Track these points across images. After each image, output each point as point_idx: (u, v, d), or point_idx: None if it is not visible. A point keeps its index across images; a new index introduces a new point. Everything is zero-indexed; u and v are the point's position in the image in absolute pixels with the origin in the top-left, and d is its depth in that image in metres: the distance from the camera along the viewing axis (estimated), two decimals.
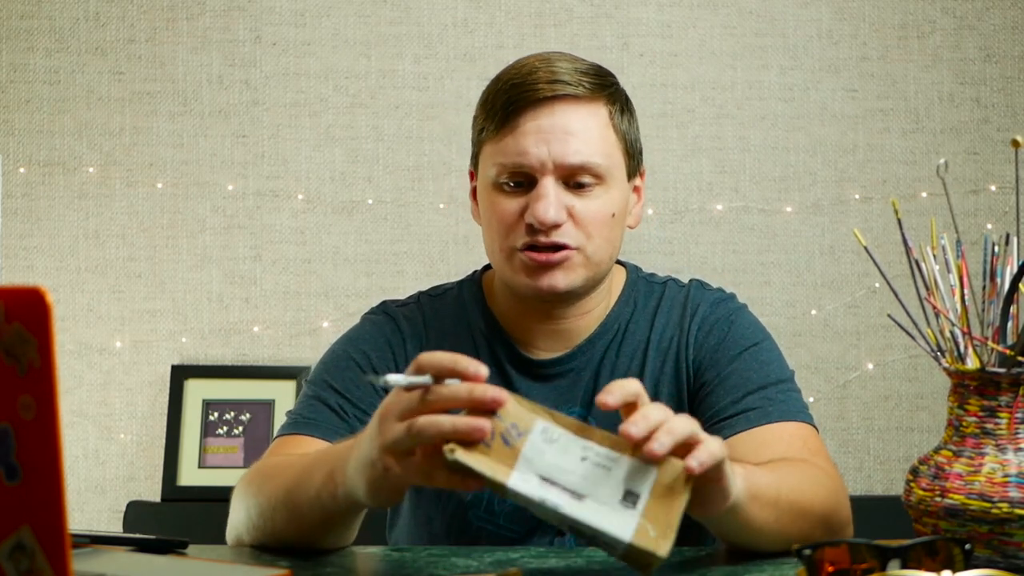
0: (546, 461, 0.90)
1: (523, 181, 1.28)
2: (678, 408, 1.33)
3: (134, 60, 2.39)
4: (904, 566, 0.87)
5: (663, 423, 0.91)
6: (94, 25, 2.40)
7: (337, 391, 1.32)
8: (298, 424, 1.31)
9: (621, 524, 0.89)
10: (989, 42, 2.42)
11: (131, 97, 2.39)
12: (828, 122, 2.41)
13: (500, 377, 1.35)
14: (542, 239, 1.27)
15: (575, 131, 1.27)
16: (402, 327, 1.38)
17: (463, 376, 0.92)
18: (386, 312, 1.41)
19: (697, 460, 0.90)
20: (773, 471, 1.08)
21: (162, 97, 2.39)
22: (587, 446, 0.91)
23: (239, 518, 1.20)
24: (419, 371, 0.93)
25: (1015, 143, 0.99)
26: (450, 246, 2.39)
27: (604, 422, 1.31)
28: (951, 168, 2.40)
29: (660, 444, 0.89)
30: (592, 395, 1.32)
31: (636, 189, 1.37)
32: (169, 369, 2.34)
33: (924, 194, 2.40)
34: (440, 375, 0.93)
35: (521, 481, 0.89)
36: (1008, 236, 1.02)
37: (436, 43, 2.40)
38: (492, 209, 1.30)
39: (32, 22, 2.39)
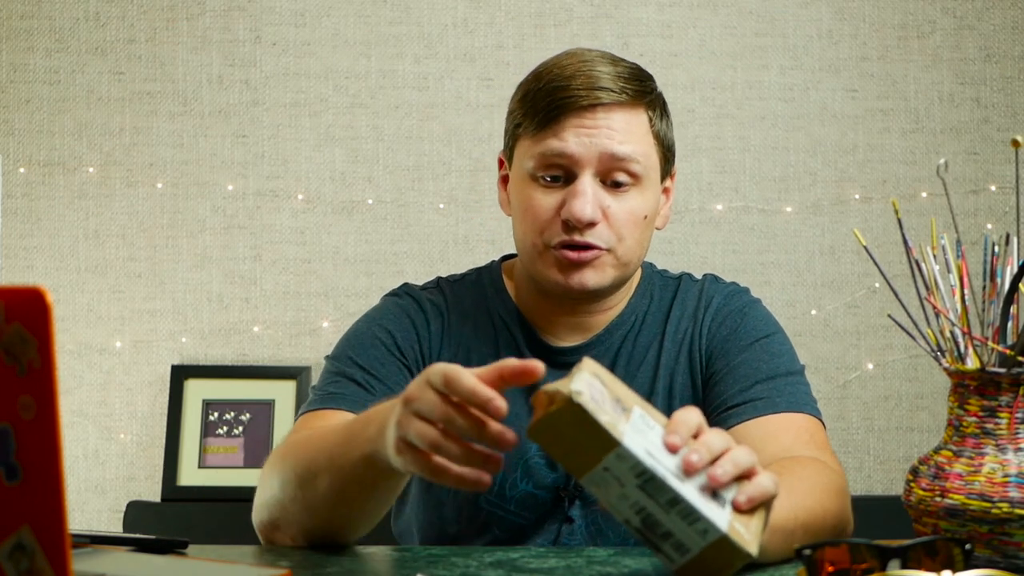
0: (648, 439, 0.89)
1: (561, 176, 1.29)
2: (693, 398, 1.35)
3: (134, 60, 2.39)
4: (904, 566, 0.87)
5: (726, 452, 0.91)
6: (94, 25, 2.40)
7: (362, 367, 1.33)
8: (324, 399, 1.30)
9: (717, 514, 0.88)
10: (989, 42, 2.42)
11: (131, 97, 2.39)
12: (828, 122, 2.42)
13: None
14: (576, 237, 1.27)
15: (618, 128, 1.28)
16: (425, 308, 1.39)
17: (481, 407, 0.92)
18: (409, 294, 1.42)
19: (746, 495, 0.90)
20: (790, 494, 1.06)
21: (162, 97, 2.39)
22: None
23: (272, 494, 1.18)
24: (447, 385, 0.92)
25: (1015, 143, 0.99)
26: (450, 246, 2.39)
27: None
28: (951, 168, 2.40)
29: (724, 472, 0.89)
30: None
31: (665, 190, 1.38)
32: (169, 369, 2.34)
33: (924, 194, 2.40)
34: (461, 398, 0.92)
35: (633, 444, 0.87)
36: (1008, 236, 1.02)
37: (436, 43, 2.40)
38: (527, 202, 1.31)
39: (32, 22, 2.39)
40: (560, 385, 0.87)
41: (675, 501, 0.87)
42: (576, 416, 0.85)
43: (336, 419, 1.26)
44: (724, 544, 0.87)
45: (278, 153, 2.40)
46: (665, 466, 0.88)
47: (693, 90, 2.41)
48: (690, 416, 0.92)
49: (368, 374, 1.32)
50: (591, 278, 1.29)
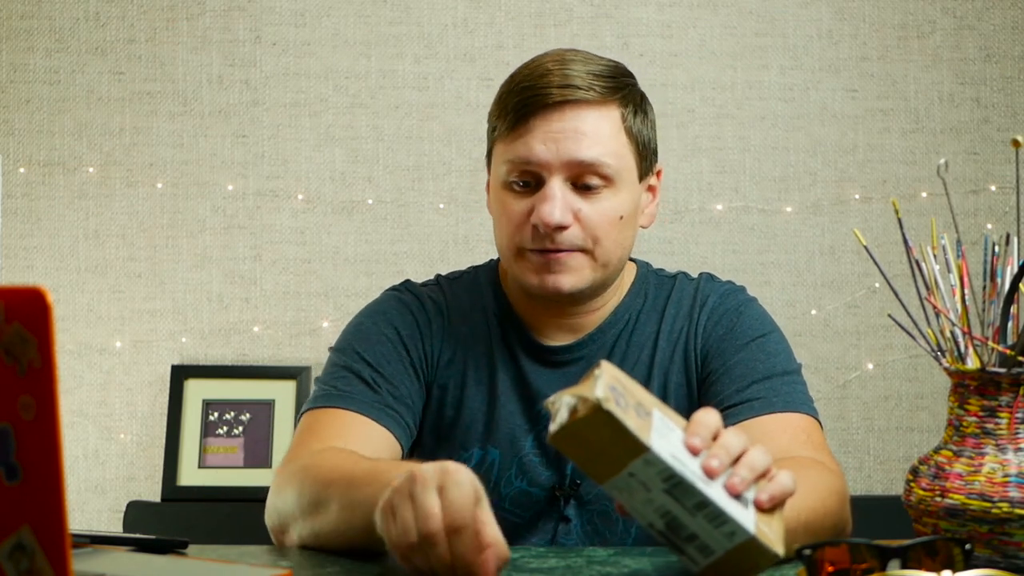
0: (671, 443, 0.88)
1: (531, 181, 1.29)
2: (687, 397, 1.35)
3: (134, 60, 2.39)
4: (904, 566, 0.87)
5: (743, 454, 0.91)
6: (94, 25, 2.39)
7: (369, 364, 1.32)
8: (331, 397, 1.30)
9: (744, 516, 0.88)
10: (989, 42, 2.42)
11: (131, 97, 2.39)
12: (828, 122, 2.41)
13: (512, 361, 1.36)
14: (548, 244, 1.27)
15: (585, 132, 1.27)
16: (427, 307, 1.40)
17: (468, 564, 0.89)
18: (410, 291, 1.42)
19: (768, 494, 0.90)
20: (795, 494, 1.07)
21: (162, 97, 2.39)
22: None
23: (286, 507, 1.17)
24: (458, 530, 0.88)
25: (1015, 143, 0.99)
26: (450, 246, 2.39)
27: None
28: (951, 168, 2.40)
29: (741, 479, 0.89)
30: None
31: (651, 188, 1.37)
32: (169, 369, 2.34)
33: (924, 194, 2.40)
34: (462, 549, 0.88)
35: (661, 449, 0.85)
36: (1008, 236, 1.02)
37: (436, 43, 2.40)
38: (502, 208, 1.32)
39: (32, 22, 2.39)
40: (582, 391, 0.85)
41: (703, 504, 0.86)
42: (604, 423, 0.83)
43: (342, 420, 1.26)
44: (752, 545, 0.87)
45: (278, 153, 2.39)
46: (691, 469, 0.87)
47: (693, 90, 2.41)
48: (709, 418, 0.92)
49: (375, 371, 1.32)
50: (566, 281, 1.29)
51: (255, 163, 2.39)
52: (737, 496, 0.89)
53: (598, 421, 0.83)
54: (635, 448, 0.84)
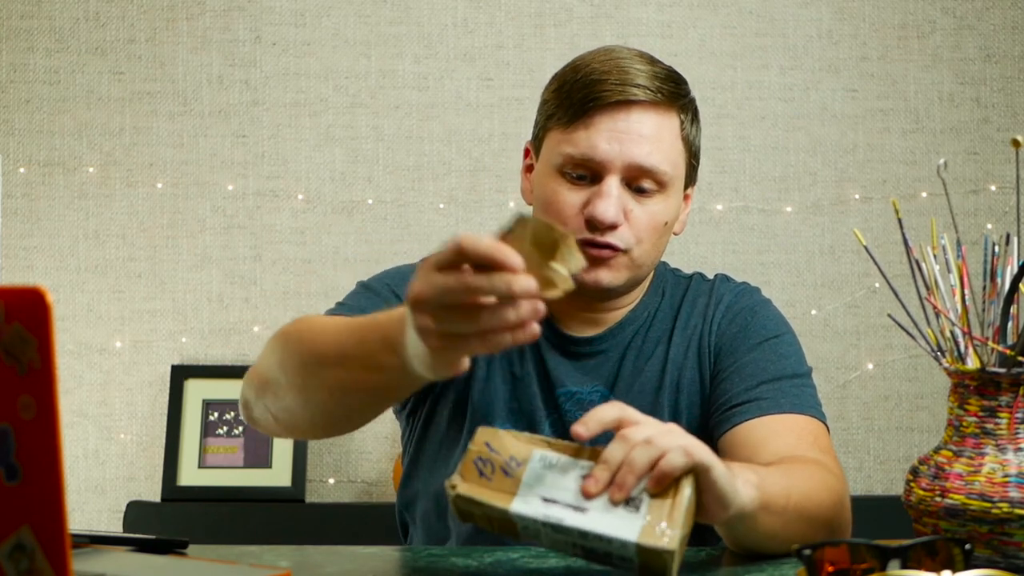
0: (546, 484, 0.93)
1: (587, 175, 1.30)
2: (700, 393, 1.36)
3: (134, 60, 2.39)
4: (904, 566, 0.87)
5: (628, 455, 0.92)
6: (94, 25, 2.40)
7: (397, 296, 1.33)
8: (344, 308, 1.30)
9: (626, 527, 0.90)
10: (989, 42, 2.42)
11: (131, 97, 2.39)
12: (828, 122, 2.41)
13: (534, 347, 1.37)
14: (598, 237, 1.29)
15: (648, 135, 1.29)
16: None
17: (503, 267, 0.87)
18: None
19: (654, 478, 0.91)
20: (785, 476, 1.08)
21: (162, 97, 2.39)
22: (585, 465, 0.94)
23: (271, 364, 1.16)
24: (463, 252, 0.87)
25: (1015, 143, 0.99)
26: None
27: (623, 400, 1.34)
28: (951, 168, 2.40)
29: (621, 491, 0.91)
30: (617, 376, 1.37)
31: (686, 197, 1.40)
32: (169, 369, 2.34)
33: (924, 194, 2.40)
34: (479, 262, 0.87)
35: (522, 505, 0.91)
36: (1008, 236, 1.02)
37: (436, 43, 2.40)
38: (552, 195, 1.32)
39: (32, 22, 2.39)
40: (457, 470, 0.94)
41: (584, 535, 0.90)
42: (470, 502, 0.93)
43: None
44: (641, 550, 0.89)
45: (278, 153, 2.40)
46: (565, 502, 0.91)
47: (693, 90, 2.40)
48: (599, 415, 0.94)
49: (400, 303, 1.32)
50: (605, 277, 1.31)
51: (255, 163, 2.39)
52: (628, 499, 0.91)
53: (463, 502, 0.93)
54: (503, 512, 0.92)
